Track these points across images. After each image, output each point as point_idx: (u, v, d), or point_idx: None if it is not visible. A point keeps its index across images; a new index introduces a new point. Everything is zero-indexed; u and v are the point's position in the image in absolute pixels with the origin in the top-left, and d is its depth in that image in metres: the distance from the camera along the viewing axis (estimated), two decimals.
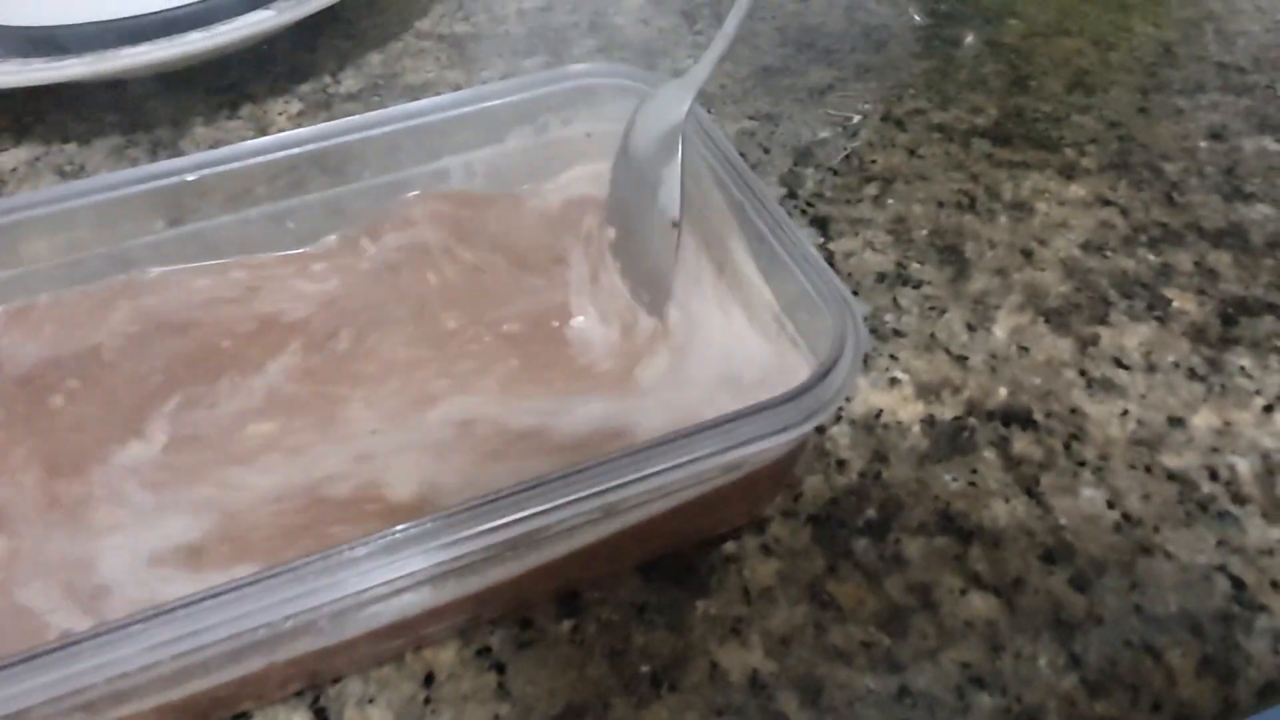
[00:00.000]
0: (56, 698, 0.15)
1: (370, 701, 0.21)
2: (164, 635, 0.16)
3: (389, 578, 0.17)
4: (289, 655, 0.19)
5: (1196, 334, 0.28)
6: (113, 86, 0.39)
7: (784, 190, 0.33)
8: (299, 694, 0.21)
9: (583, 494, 0.17)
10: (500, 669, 0.21)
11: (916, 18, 0.42)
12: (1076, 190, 0.33)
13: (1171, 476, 0.24)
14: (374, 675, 0.21)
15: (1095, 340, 0.28)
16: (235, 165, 0.25)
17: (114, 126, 0.38)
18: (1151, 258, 0.30)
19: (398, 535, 0.17)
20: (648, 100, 0.27)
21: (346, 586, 0.16)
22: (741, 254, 0.24)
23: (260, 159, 0.26)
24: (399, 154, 0.28)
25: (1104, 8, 0.42)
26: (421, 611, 0.20)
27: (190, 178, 0.25)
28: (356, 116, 0.27)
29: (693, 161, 0.26)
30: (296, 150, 0.26)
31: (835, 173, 0.34)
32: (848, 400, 0.26)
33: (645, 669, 0.21)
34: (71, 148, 0.37)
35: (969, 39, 0.41)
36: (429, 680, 0.21)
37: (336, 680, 0.21)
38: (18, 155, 0.37)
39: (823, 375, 0.19)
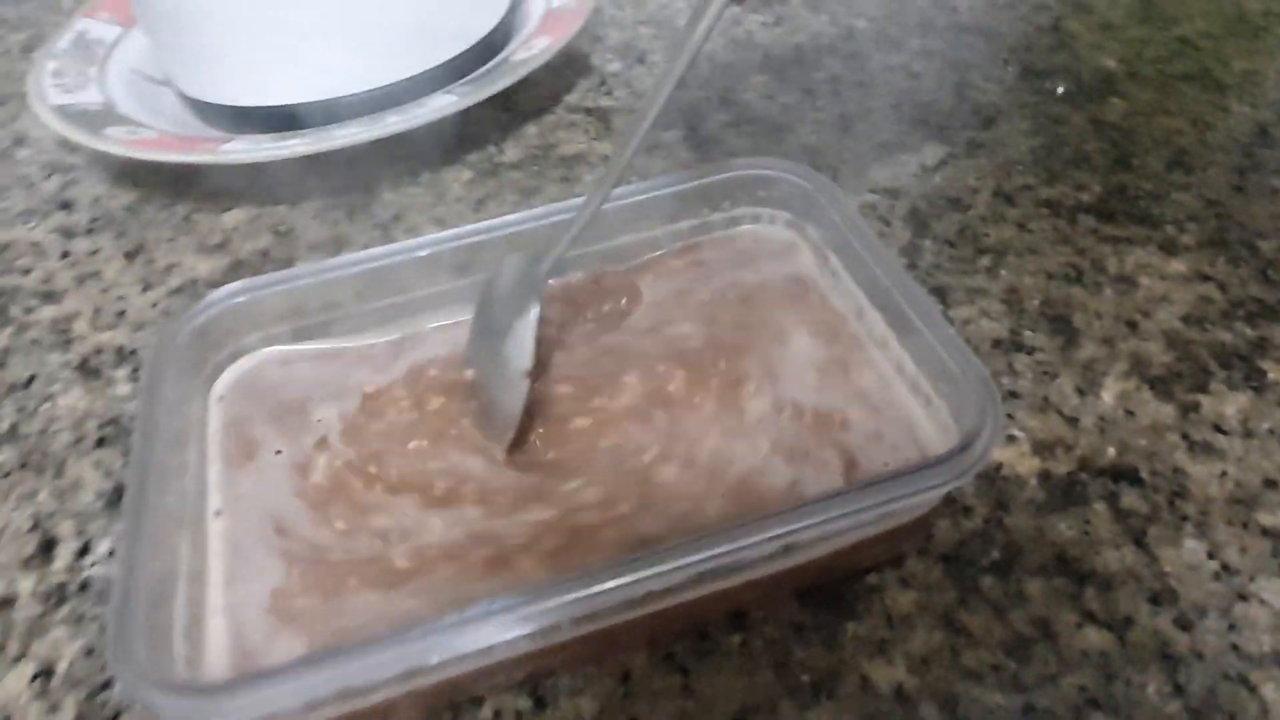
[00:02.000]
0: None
1: (579, 693, 0.26)
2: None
3: (611, 596, 0.21)
4: (518, 652, 0.24)
5: None
6: (314, 157, 0.45)
7: (905, 260, 0.37)
8: (520, 685, 0.26)
9: (769, 535, 0.22)
10: (685, 672, 0.26)
11: (1056, 91, 0.46)
12: (1177, 265, 0.36)
13: (1266, 532, 0.28)
14: (580, 673, 0.26)
15: (1196, 407, 0.31)
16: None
17: (315, 191, 0.44)
18: (1248, 331, 0.33)
19: (629, 563, 0.21)
20: (509, 259, 0.31)
21: (587, 604, 0.21)
22: (885, 329, 0.29)
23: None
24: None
25: (1202, 88, 0.45)
26: (624, 622, 0.24)
27: (423, 253, 0.30)
28: (545, 206, 0.32)
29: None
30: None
31: (951, 245, 0.38)
32: None
33: (806, 678, 0.25)
34: (282, 210, 0.43)
35: (1059, 90, 0.44)
36: (625, 678, 0.26)
37: (550, 676, 0.26)
38: (237, 215, 0.43)
39: (968, 444, 0.23)
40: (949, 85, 0.47)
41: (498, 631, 0.20)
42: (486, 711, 0.25)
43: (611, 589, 0.21)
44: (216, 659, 0.23)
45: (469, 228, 0.32)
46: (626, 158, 0.28)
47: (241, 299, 0.29)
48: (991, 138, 0.44)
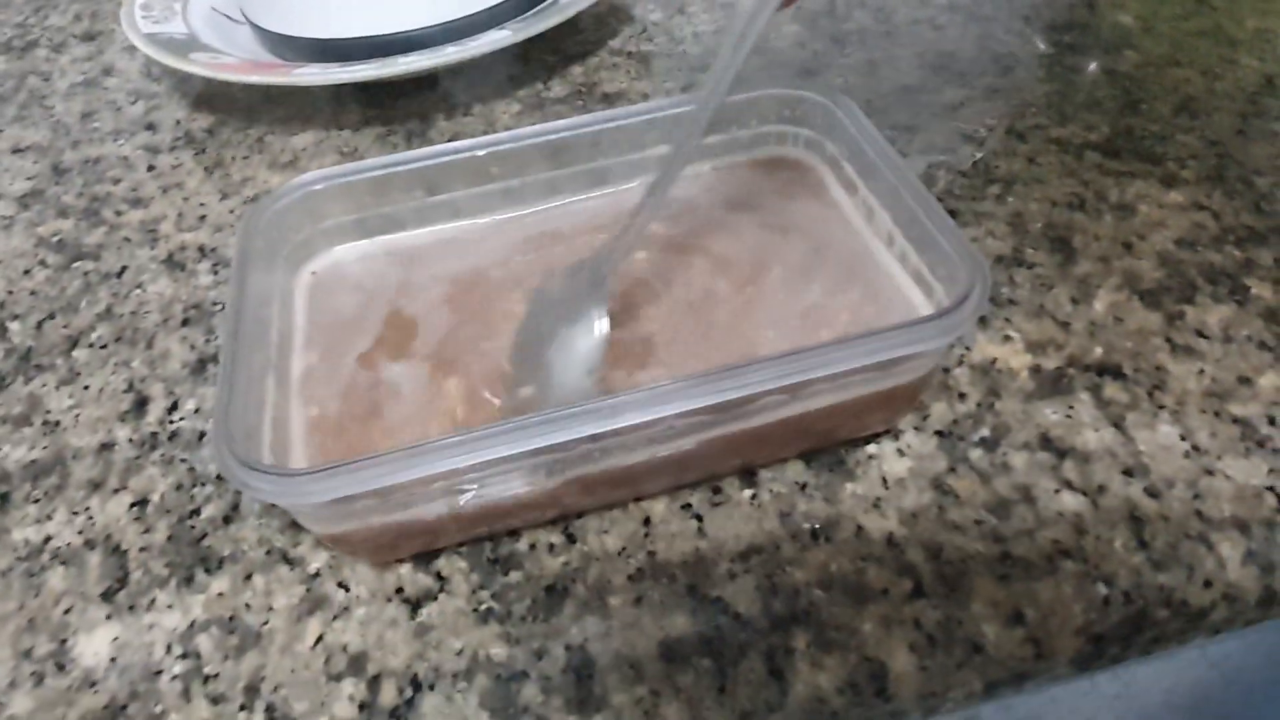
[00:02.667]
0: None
1: (605, 532, 0.29)
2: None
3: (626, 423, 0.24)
4: (551, 485, 0.27)
5: (1269, 315, 0.33)
6: (375, 88, 0.49)
7: None
8: (553, 522, 0.29)
9: (778, 374, 0.25)
10: (699, 518, 0.29)
11: (1041, 46, 0.48)
12: (1175, 197, 0.39)
13: (1236, 420, 0.30)
14: (606, 516, 0.29)
15: (1181, 315, 0.34)
16: (514, 145, 0.34)
17: (376, 119, 0.47)
18: (1237, 254, 0.36)
19: (652, 390, 0.25)
20: (561, 270, 0.31)
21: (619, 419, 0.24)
22: (892, 227, 0.32)
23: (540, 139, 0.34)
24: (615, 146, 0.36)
25: (1215, 42, 0.47)
26: (645, 463, 0.28)
27: (481, 153, 0.34)
28: (587, 115, 0.35)
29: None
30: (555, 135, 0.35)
31: (963, 175, 0.41)
32: (968, 349, 0.33)
33: (807, 526, 0.29)
34: (346, 134, 0.47)
35: (1091, 65, 0.47)
36: (647, 521, 0.29)
37: (580, 515, 0.29)
38: (306, 138, 0.47)
39: (957, 304, 0.26)
40: (971, 37, 0.50)
41: (537, 438, 0.24)
42: (522, 544, 0.29)
43: (631, 414, 0.24)
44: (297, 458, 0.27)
45: (530, 129, 0.35)
46: (685, 152, 0.29)
47: (319, 187, 0.33)
48: (1009, 84, 0.46)
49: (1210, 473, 0.29)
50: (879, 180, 0.32)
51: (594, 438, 0.24)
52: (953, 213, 0.39)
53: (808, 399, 0.27)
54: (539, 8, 0.49)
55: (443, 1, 0.46)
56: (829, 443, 0.30)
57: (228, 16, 0.52)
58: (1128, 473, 0.29)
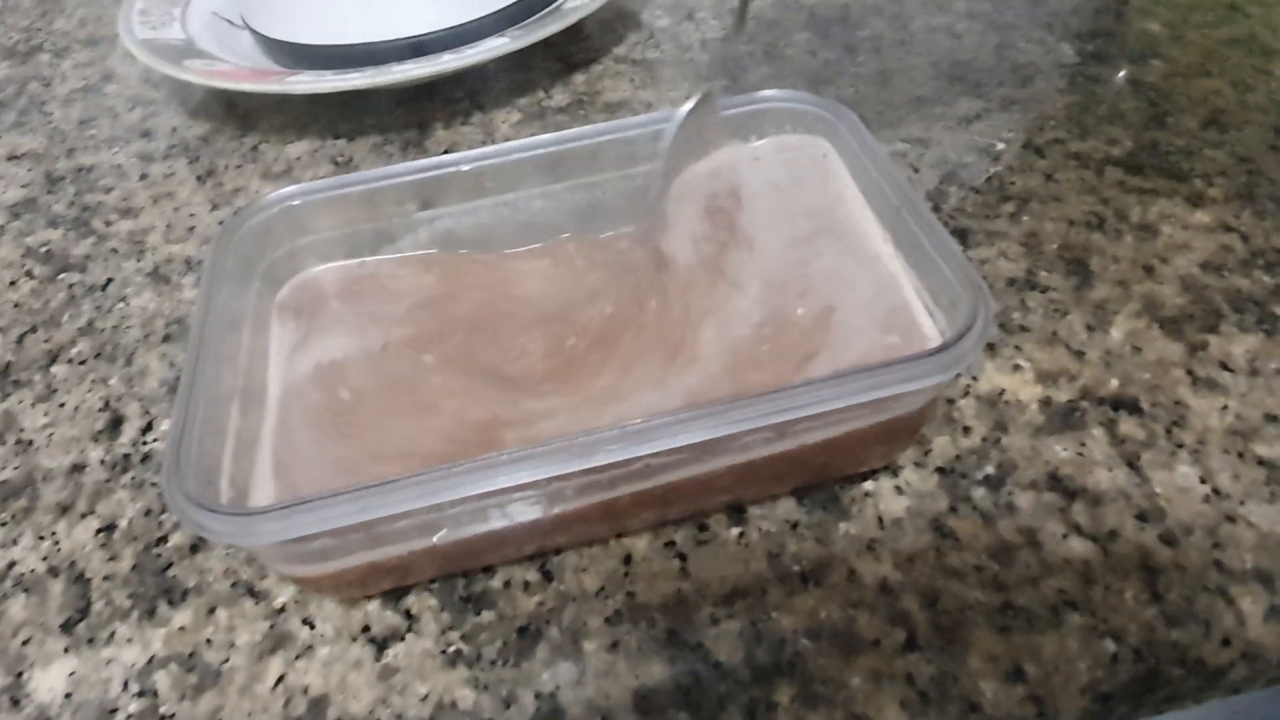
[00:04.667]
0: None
1: (584, 570, 0.28)
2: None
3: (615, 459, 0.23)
4: (527, 519, 0.26)
5: None
6: (373, 95, 0.48)
7: (930, 205, 0.38)
8: (530, 559, 0.28)
9: (762, 413, 0.23)
10: (683, 558, 0.28)
11: (1070, 53, 0.46)
12: (1201, 217, 0.36)
13: (1261, 462, 0.28)
14: (586, 552, 0.28)
15: (1204, 346, 0.32)
16: (500, 160, 0.33)
17: (373, 127, 0.46)
18: (1266, 279, 0.34)
19: (632, 427, 0.23)
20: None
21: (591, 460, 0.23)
22: (892, 249, 0.30)
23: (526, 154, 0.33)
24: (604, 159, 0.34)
25: (1247, 52, 0.45)
26: (627, 498, 0.26)
27: (466, 168, 0.32)
28: (573, 129, 0.34)
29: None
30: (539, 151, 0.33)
31: (977, 191, 0.39)
32: (974, 379, 0.31)
33: (796, 568, 0.27)
34: (341, 143, 0.46)
35: (1120, 74, 0.44)
36: (628, 559, 0.28)
37: (558, 552, 0.28)
38: (300, 147, 0.46)
39: (957, 338, 0.24)
40: (990, 46, 0.48)
41: (506, 477, 0.22)
42: (497, 581, 0.28)
43: (611, 451, 0.23)
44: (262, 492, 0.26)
45: (514, 144, 0.34)
46: None
47: (296, 202, 0.32)
48: (1027, 95, 0.44)
49: (1231, 519, 0.27)
50: (881, 199, 0.31)
51: (564, 476, 0.23)
52: (964, 232, 0.37)
53: (797, 435, 0.26)
54: (540, 14, 0.47)
55: (441, 7, 0.45)
56: (823, 479, 0.29)
57: (228, 21, 0.51)
58: (1142, 517, 0.27)
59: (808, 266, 0.30)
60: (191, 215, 0.42)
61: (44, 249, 0.42)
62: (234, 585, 0.28)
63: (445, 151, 0.45)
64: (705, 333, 0.29)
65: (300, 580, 0.26)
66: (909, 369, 0.24)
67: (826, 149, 0.34)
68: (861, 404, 0.24)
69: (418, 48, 0.45)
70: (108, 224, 0.43)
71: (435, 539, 0.25)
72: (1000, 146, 0.41)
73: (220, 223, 0.42)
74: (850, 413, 0.25)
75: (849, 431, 0.26)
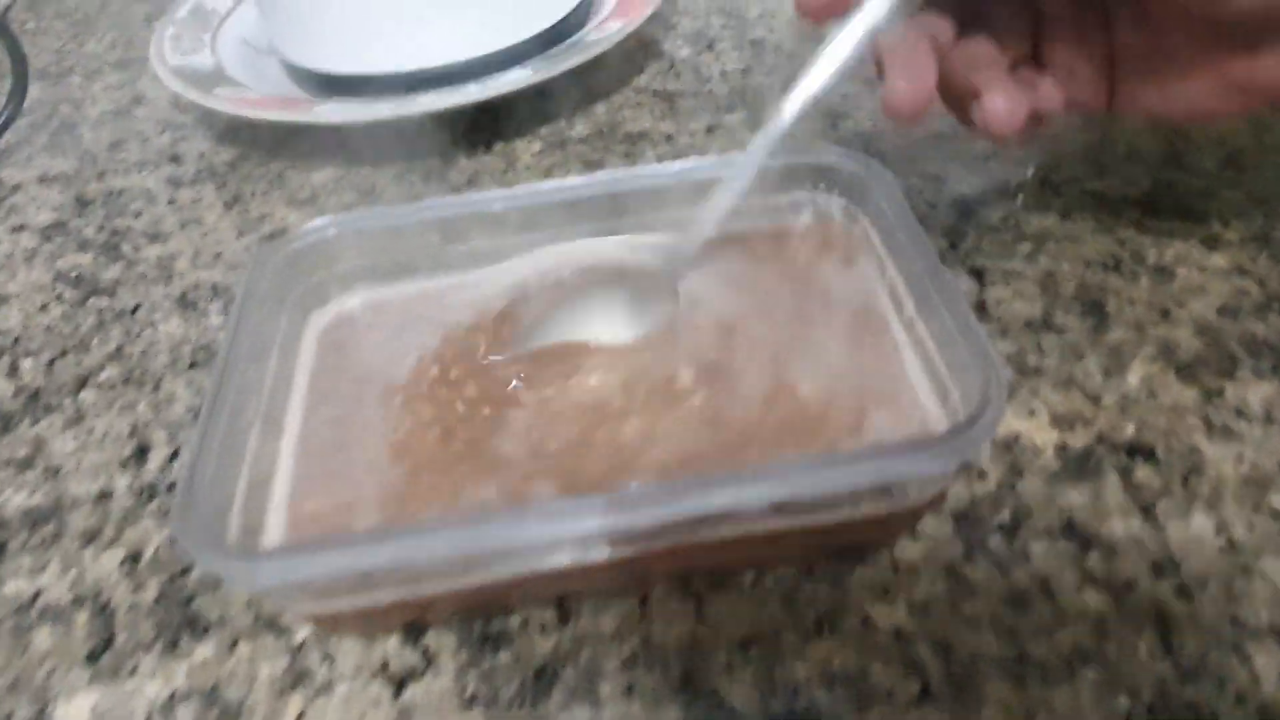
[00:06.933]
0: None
1: (601, 611, 0.28)
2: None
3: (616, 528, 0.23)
4: (545, 569, 0.26)
5: None
6: (396, 123, 0.48)
7: (946, 242, 0.39)
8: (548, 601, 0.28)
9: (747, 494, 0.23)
10: (699, 600, 0.28)
11: None
12: (1217, 260, 0.37)
13: (1277, 515, 0.28)
14: (603, 592, 0.28)
15: (1220, 392, 0.32)
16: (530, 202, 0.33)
17: (397, 156, 0.47)
18: None
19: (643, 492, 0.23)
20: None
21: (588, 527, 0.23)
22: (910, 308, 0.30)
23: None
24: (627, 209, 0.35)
25: None
26: (644, 553, 0.26)
27: (497, 207, 0.33)
28: (604, 174, 0.34)
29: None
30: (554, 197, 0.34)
31: (993, 230, 0.39)
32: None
33: (811, 614, 0.27)
34: (366, 170, 0.46)
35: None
36: (644, 600, 0.28)
37: (576, 596, 0.28)
38: (325, 174, 0.46)
39: (968, 423, 0.24)
40: None
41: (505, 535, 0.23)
42: (514, 621, 0.28)
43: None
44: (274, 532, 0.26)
45: (544, 185, 0.34)
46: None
47: (332, 231, 0.32)
48: (1045, 131, 0.44)
49: (1247, 572, 0.27)
50: (906, 266, 0.31)
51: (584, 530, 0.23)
52: (980, 271, 0.37)
53: (789, 516, 0.26)
54: (563, 45, 0.48)
55: (466, 39, 0.46)
56: (834, 549, 0.29)
57: (256, 49, 0.52)
58: (1157, 568, 0.27)
59: (816, 342, 0.31)
60: (218, 242, 0.43)
61: (74, 273, 0.42)
62: (256, 619, 0.28)
63: (468, 181, 0.45)
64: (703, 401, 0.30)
65: (314, 618, 0.26)
66: (908, 460, 0.24)
67: (856, 225, 0.34)
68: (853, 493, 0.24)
69: (443, 78, 0.46)
70: (136, 249, 0.43)
71: (454, 583, 0.26)
72: (1016, 184, 0.41)
73: (260, 241, 0.43)
74: (850, 498, 0.25)
75: (841, 520, 0.26)
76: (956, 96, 0.32)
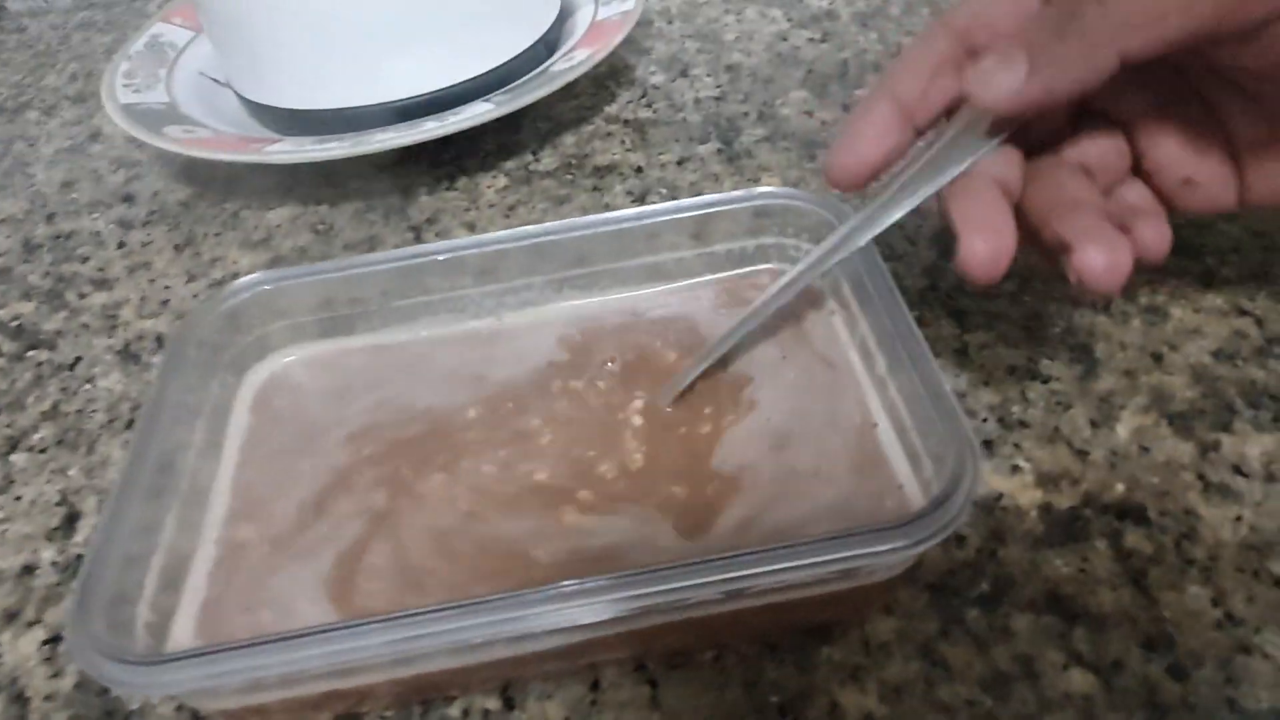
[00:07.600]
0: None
1: (548, 698, 0.26)
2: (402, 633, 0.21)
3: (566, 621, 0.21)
4: (488, 659, 0.24)
5: None
6: (355, 160, 0.46)
7: (926, 282, 0.37)
8: (492, 687, 0.26)
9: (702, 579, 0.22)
10: (654, 684, 0.26)
11: None
12: (1213, 299, 0.34)
13: (1278, 583, 0.26)
14: (551, 677, 0.26)
15: (1217, 446, 0.30)
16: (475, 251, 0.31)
17: (356, 193, 0.45)
18: None
19: (596, 583, 0.21)
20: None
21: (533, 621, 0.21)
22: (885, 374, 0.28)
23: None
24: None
25: None
26: (593, 639, 0.24)
27: (441, 258, 0.31)
28: (534, 227, 0.32)
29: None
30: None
31: None
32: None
33: (774, 699, 0.25)
34: (323, 209, 0.45)
35: None
36: (595, 686, 0.26)
37: (521, 681, 0.26)
38: (281, 214, 0.45)
39: (935, 505, 0.22)
40: None
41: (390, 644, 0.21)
42: (455, 710, 0.26)
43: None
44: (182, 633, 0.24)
45: (491, 235, 0.32)
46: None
47: (267, 288, 0.31)
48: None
49: (1246, 649, 0.25)
50: (878, 325, 0.29)
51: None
52: (961, 313, 0.35)
53: (749, 598, 0.24)
54: (527, 76, 0.46)
55: (424, 72, 0.44)
56: (801, 624, 0.27)
57: (215, 80, 0.51)
58: (1148, 645, 0.25)
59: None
60: (166, 288, 0.41)
61: (15, 323, 0.41)
62: (179, 709, 0.26)
63: (428, 220, 0.43)
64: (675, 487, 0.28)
65: (238, 713, 0.24)
66: (872, 540, 0.22)
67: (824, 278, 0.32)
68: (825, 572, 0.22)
69: (401, 113, 0.44)
70: (81, 296, 0.42)
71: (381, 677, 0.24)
72: None
73: (195, 296, 0.41)
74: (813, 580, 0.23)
75: (803, 598, 0.24)
76: (1043, 245, 0.27)
